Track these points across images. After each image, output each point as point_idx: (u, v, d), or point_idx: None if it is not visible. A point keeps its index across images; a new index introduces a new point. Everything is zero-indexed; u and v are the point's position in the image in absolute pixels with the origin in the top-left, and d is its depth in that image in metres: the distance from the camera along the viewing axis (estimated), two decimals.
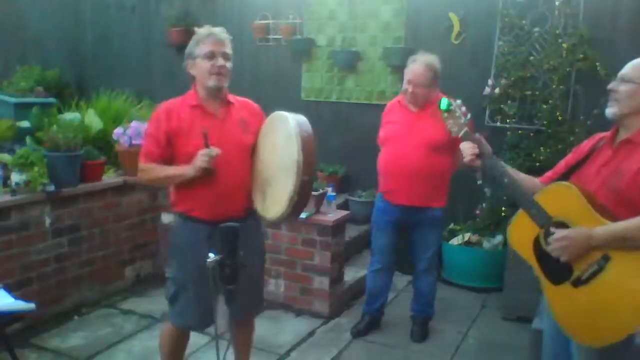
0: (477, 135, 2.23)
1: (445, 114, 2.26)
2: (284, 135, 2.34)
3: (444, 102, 2.25)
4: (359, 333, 3.71)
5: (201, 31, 2.48)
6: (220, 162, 2.38)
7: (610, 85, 2.06)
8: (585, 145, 2.21)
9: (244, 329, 2.75)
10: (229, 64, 2.46)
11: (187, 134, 2.42)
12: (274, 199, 2.37)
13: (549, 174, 2.30)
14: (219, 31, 2.46)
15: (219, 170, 2.39)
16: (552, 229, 2.01)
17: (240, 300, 2.44)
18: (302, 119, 2.35)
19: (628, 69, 2.04)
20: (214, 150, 2.34)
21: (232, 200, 2.47)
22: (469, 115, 2.26)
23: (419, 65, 3.30)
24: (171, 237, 2.64)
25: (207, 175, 2.37)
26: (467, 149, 2.20)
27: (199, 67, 2.44)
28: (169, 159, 2.47)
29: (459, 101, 2.28)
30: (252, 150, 2.54)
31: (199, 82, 2.48)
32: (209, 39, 2.42)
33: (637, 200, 1.93)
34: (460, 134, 2.23)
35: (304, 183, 2.24)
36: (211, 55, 2.41)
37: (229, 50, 2.46)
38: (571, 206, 1.99)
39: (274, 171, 2.40)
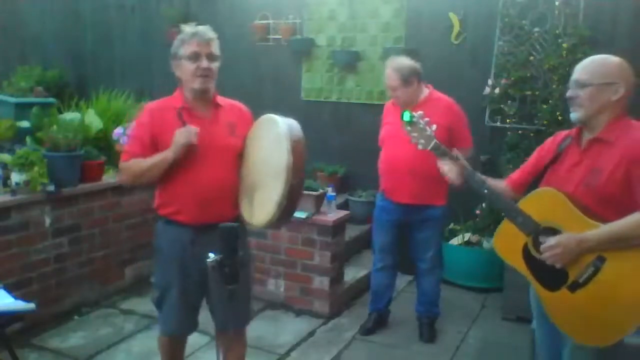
0: (445, 146, 2.22)
1: (408, 127, 2.22)
2: (273, 139, 2.26)
3: (406, 114, 2.21)
4: (367, 331, 3.73)
5: (186, 30, 2.37)
6: (205, 165, 2.33)
7: (569, 93, 2.08)
8: (551, 144, 2.22)
9: (233, 344, 2.59)
10: (215, 65, 2.37)
11: (169, 133, 2.33)
12: (262, 204, 2.28)
13: (515, 175, 2.31)
14: (204, 30, 2.36)
15: (203, 172, 2.34)
16: (541, 236, 2.01)
17: (223, 311, 2.39)
18: (292, 122, 2.28)
19: (581, 73, 2.05)
20: (192, 128, 2.29)
21: (217, 204, 2.38)
22: (434, 127, 2.23)
23: (387, 69, 3.41)
24: (155, 241, 2.54)
25: (188, 159, 2.31)
26: (450, 169, 2.20)
27: (183, 69, 2.36)
28: None
29: (420, 112, 2.25)
30: (239, 155, 2.45)
31: (185, 83, 2.40)
32: (193, 39, 2.32)
33: (617, 196, 1.95)
34: (430, 146, 2.21)
35: (292, 187, 2.16)
36: (195, 57, 2.32)
37: (215, 50, 2.37)
38: (558, 211, 1.99)
39: (262, 175, 2.32)
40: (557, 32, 4.40)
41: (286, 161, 2.14)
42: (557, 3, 4.38)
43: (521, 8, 4.52)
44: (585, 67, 2.05)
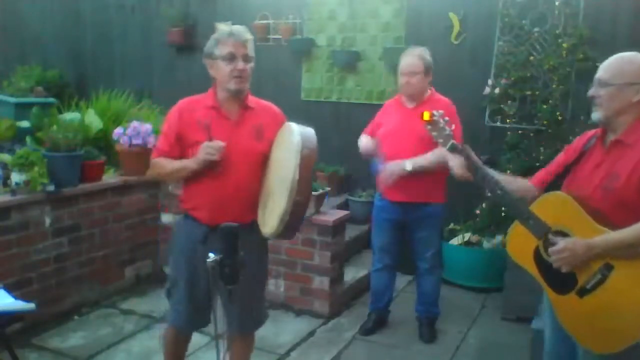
0: (465, 146, 2.20)
1: (429, 126, 2.22)
2: (287, 150, 2.25)
3: (426, 114, 2.22)
4: (367, 331, 3.73)
5: (222, 29, 2.38)
6: (223, 168, 2.33)
7: (591, 92, 2.05)
8: (578, 143, 2.20)
9: (240, 346, 2.61)
10: (250, 66, 2.36)
11: (196, 132, 2.36)
12: (270, 214, 2.27)
13: (540, 174, 2.28)
14: (241, 30, 2.36)
15: (222, 174, 2.34)
16: (551, 239, 2.00)
17: (236, 314, 2.39)
18: (308, 133, 2.25)
19: (603, 72, 2.02)
20: (218, 143, 2.29)
21: (232, 206, 2.37)
22: (453, 126, 2.23)
23: (409, 56, 3.46)
24: (173, 234, 2.63)
25: (211, 168, 2.32)
26: (456, 163, 2.17)
27: (218, 69, 2.35)
28: (177, 158, 2.42)
29: (441, 111, 2.25)
30: (264, 159, 2.43)
31: (219, 83, 2.39)
32: (229, 40, 2.32)
33: (634, 201, 1.92)
34: (448, 146, 2.20)
35: (297, 203, 2.12)
36: (231, 58, 2.31)
37: (250, 51, 2.36)
38: (569, 215, 1.98)
39: (274, 186, 2.31)
40: (557, 32, 4.41)
41: (292, 177, 2.11)
42: (557, 3, 4.39)
43: (521, 8, 4.53)
44: (608, 66, 2.02)
